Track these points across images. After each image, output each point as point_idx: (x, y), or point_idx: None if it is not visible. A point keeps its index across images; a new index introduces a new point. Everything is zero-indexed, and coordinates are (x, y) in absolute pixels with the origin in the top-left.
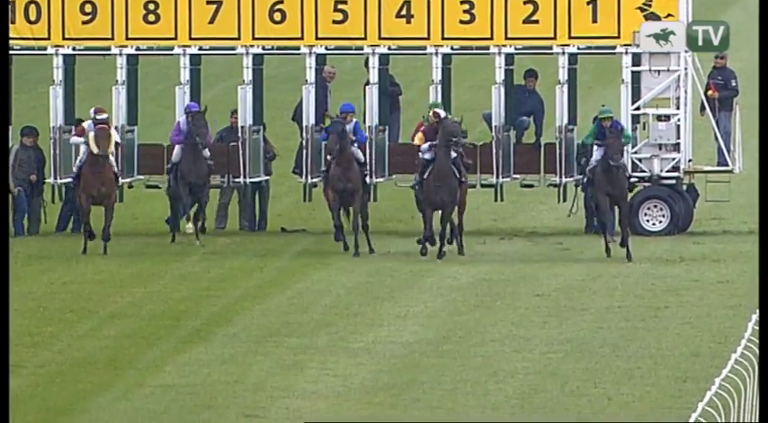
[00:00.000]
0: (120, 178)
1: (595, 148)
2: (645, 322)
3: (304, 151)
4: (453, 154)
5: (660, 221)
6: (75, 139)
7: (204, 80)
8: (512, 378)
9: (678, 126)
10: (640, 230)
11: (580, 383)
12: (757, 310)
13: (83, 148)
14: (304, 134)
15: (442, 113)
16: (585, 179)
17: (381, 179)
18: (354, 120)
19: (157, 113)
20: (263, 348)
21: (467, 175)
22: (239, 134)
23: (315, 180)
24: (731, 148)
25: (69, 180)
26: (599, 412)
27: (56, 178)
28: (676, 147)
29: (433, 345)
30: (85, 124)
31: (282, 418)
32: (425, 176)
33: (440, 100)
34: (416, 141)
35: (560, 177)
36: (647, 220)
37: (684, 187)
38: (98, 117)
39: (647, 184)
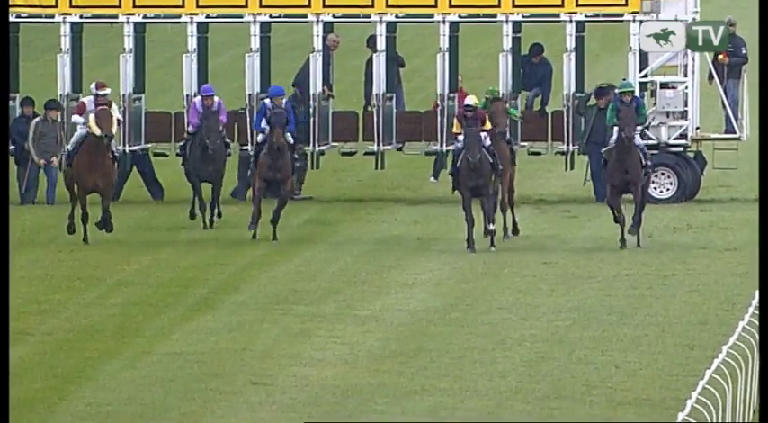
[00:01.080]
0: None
1: (615, 129)
2: (652, 290)
3: (311, 119)
4: (487, 142)
5: (668, 189)
6: (75, 118)
7: (211, 48)
8: (519, 346)
9: (686, 94)
10: (648, 198)
11: (587, 351)
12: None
13: (80, 127)
14: (311, 102)
15: (468, 101)
16: (603, 162)
17: (389, 147)
18: (285, 101)
19: (165, 81)
20: (270, 316)
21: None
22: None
23: (322, 148)
24: (739, 115)
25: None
26: (606, 380)
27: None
28: (684, 114)
29: (440, 312)
30: (86, 100)
31: (290, 386)
32: (458, 164)
33: (448, 69)
34: (454, 130)
35: (568, 145)
36: (655, 188)
37: (692, 155)
38: (99, 92)
39: (654, 151)
